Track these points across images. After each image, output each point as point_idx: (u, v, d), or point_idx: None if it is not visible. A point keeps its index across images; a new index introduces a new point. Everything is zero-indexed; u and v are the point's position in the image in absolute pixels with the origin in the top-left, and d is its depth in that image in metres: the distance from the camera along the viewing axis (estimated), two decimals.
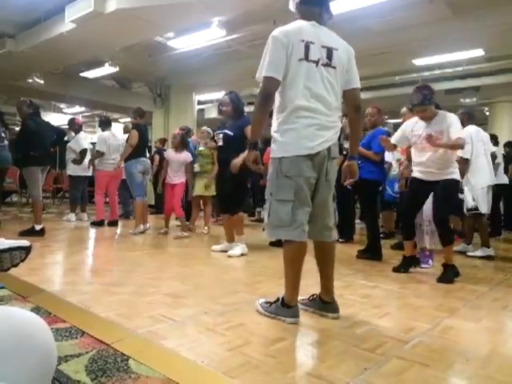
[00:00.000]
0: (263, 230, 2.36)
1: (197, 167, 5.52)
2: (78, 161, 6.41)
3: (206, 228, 5.63)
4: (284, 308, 2.12)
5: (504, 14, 5.51)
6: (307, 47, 2.03)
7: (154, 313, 2.15)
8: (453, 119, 3.28)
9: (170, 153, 5.40)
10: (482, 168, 4.33)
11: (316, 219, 2.15)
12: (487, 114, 10.39)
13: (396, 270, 3.49)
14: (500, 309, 2.54)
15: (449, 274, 3.22)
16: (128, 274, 3.11)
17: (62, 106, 13.60)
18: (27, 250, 0.80)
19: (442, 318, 2.28)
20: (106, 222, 5.98)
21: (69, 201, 7.11)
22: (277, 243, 4.28)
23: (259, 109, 2.10)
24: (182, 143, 5.29)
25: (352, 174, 2.34)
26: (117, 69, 8.30)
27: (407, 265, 3.52)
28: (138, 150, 5.28)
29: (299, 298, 2.22)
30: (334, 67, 2.10)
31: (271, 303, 2.20)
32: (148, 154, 6.08)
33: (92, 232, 5.53)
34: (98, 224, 5.89)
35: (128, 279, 2.94)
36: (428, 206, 3.79)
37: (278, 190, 2.08)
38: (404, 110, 4.77)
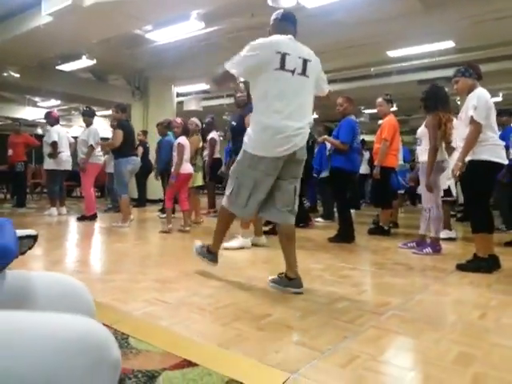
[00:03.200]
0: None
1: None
2: (53, 154, 6.34)
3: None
4: (208, 253, 2.77)
5: (472, 6, 5.75)
6: (283, 58, 2.30)
7: (147, 297, 2.28)
8: (470, 96, 3.14)
9: (184, 140, 4.94)
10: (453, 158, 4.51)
11: (271, 202, 2.51)
12: (458, 103, 10.76)
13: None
14: (467, 284, 2.77)
15: (467, 264, 3.13)
16: (118, 264, 3.22)
17: (37, 99, 13.35)
18: (35, 238, 0.91)
19: (415, 293, 2.49)
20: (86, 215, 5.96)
21: (47, 196, 7.08)
22: (270, 231, 4.46)
23: (215, 81, 2.78)
24: (187, 129, 5.17)
25: None
26: (94, 61, 8.23)
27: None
28: (126, 147, 5.28)
29: (270, 276, 2.57)
30: (308, 76, 2.40)
31: (205, 248, 2.80)
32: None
33: (77, 226, 5.56)
34: (90, 219, 5.82)
35: (119, 268, 3.05)
36: (425, 194, 3.97)
37: (244, 177, 2.45)
38: (380, 100, 4.96)
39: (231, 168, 2.59)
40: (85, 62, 8.28)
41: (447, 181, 4.49)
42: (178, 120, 5.16)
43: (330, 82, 10.65)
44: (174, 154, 4.91)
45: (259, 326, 1.85)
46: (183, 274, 2.92)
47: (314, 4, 5.26)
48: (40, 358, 0.55)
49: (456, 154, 3.58)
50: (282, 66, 2.29)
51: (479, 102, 3.05)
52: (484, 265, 3.09)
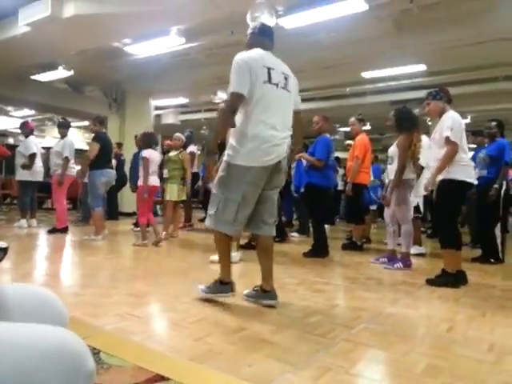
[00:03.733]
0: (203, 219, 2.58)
1: (166, 173, 5.59)
2: (27, 166, 6.21)
3: (163, 233, 5.47)
4: (222, 286, 2.49)
5: (443, 32, 6.04)
6: (269, 72, 2.36)
7: (119, 311, 2.24)
8: (442, 119, 3.26)
9: (148, 153, 5.01)
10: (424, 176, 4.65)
11: (258, 215, 2.47)
12: (429, 123, 11.16)
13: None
14: (435, 298, 2.85)
15: (436, 279, 3.21)
16: (90, 278, 3.15)
17: (10, 108, 13.04)
18: (5, 250, 0.90)
19: (385, 307, 2.55)
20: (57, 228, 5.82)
21: (18, 207, 6.87)
22: (247, 246, 4.47)
23: (224, 121, 2.40)
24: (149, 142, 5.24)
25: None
26: (71, 72, 8.14)
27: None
28: (101, 160, 5.20)
29: (245, 291, 2.57)
30: (290, 91, 2.47)
31: (209, 285, 2.51)
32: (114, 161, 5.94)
33: (48, 239, 5.42)
34: (61, 231, 5.66)
35: (90, 282, 2.99)
36: (387, 209, 4.12)
37: (230, 192, 2.36)
38: (352, 119, 5.13)
39: (214, 184, 2.47)
40: (61, 73, 8.17)
41: (416, 198, 4.65)
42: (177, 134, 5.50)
43: (308, 100, 10.91)
44: (140, 167, 4.96)
45: (232, 341, 1.85)
46: (156, 288, 2.90)
47: (292, 25, 5.41)
48: (17, 366, 0.57)
49: (427, 173, 3.72)
50: (270, 79, 2.35)
51: (454, 123, 3.19)
52: (452, 280, 3.19)
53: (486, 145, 4.85)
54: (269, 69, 2.35)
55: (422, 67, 7.36)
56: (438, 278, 3.24)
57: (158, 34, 6.24)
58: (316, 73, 7.72)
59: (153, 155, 5.06)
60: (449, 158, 3.17)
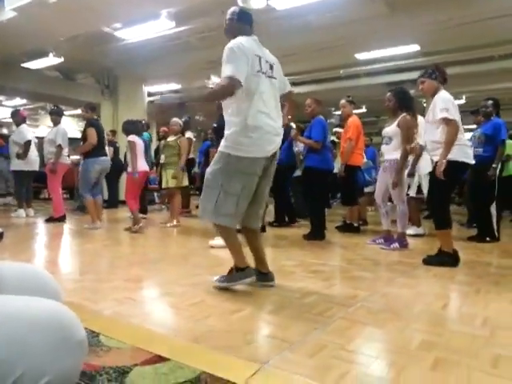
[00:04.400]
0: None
1: (163, 158, 5.57)
2: (22, 155, 6.15)
3: (174, 221, 5.49)
4: (239, 272, 2.40)
5: (436, 12, 5.98)
6: (260, 60, 2.33)
7: (117, 296, 2.26)
8: (436, 99, 3.23)
9: (134, 138, 5.07)
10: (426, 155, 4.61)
11: (251, 207, 2.43)
12: (424, 105, 11.14)
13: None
14: (431, 277, 2.89)
15: (432, 258, 3.26)
16: (88, 264, 3.17)
17: (1, 98, 12.89)
18: (0, 236, 0.92)
19: (382, 286, 2.58)
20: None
21: (15, 197, 6.85)
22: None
23: (213, 98, 2.46)
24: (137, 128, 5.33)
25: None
26: (61, 59, 8.02)
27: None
28: (95, 147, 5.17)
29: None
30: (275, 78, 2.45)
31: (226, 275, 2.43)
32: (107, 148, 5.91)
33: (45, 228, 5.42)
34: (58, 220, 5.67)
35: (88, 268, 3.00)
36: (378, 189, 4.14)
37: (229, 183, 2.30)
38: (343, 101, 5.10)
39: (209, 176, 2.37)
40: (52, 60, 8.05)
41: (414, 179, 4.67)
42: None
43: (301, 83, 10.87)
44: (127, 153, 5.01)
45: (231, 321, 1.87)
46: (154, 273, 2.91)
47: (283, 6, 5.33)
48: (7, 336, 0.58)
49: (425, 154, 3.71)
50: (261, 68, 2.32)
51: (447, 103, 3.16)
52: (449, 259, 3.22)
53: (482, 123, 4.85)
54: (259, 57, 2.33)
55: (416, 47, 7.31)
56: (436, 257, 3.27)
57: (149, 18, 6.16)
58: (308, 55, 7.66)
59: (137, 140, 5.10)
60: (452, 138, 3.12)
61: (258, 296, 2.31)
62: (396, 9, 5.99)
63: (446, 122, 3.14)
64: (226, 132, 2.36)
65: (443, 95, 3.25)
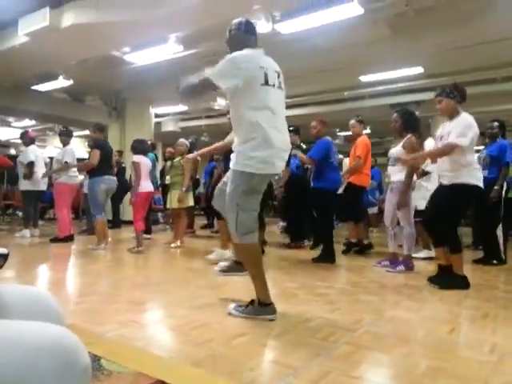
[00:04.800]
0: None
1: (168, 179, 5.61)
2: (27, 175, 6.23)
3: (178, 242, 5.50)
4: (263, 307, 2.27)
5: (439, 35, 6.07)
6: (266, 73, 2.27)
7: (120, 318, 2.24)
8: (459, 122, 3.20)
9: (138, 158, 5.13)
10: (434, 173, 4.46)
11: None
12: (431, 126, 11.19)
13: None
14: (437, 300, 2.85)
15: (442, 279, 3.22)
16: (91, 286, 3.16)
17: (11, 119, 13.12)
18: (5, 257, 0.92)
19: (387, 309, 2.55)
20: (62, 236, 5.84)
21: (22, 217, 6.90)
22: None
23: (188, 94, 2.45)
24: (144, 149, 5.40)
25: None
26: (71, 82, 8.20)
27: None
28: (101, 167, 5.22)
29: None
30: (283, 89, 2.41)
31: (246, 306, 2.31)
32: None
33: (50, 248, 5.43)
34: (63, 240, 5.67)
35: (92, 290, 2.99)
36: (387, 211, 4.12)
37: (246, 202, 2.27)
38: (352, 121, 5.14)
39: (227, 197, 2.32)
40: (61, 83, 8.24)
41: (423, 201, 4.63)
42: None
43: (306, 105, 10.92)
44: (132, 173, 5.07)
45: (234, 346, 1.85)
46: (158, 295, 2.90)
47: (288, 30, 5.45)
48: (10, 362, 0.58)
49: (435, 180, 3.71)
50: (267, 81, 2.27)
51: (474, 130, 3.17)
52: (462, 282, 3.19)
53: (487, 145, 4.85)
54: (266, 70, 2.28)
55: (420, 70, 7.39)
56: (448, 279, 3.22)
57: (157, 42, 6.30)
58: (314, 77, 7.76)
59: (143, 160, 5.16)
60: (446, 153, 3.18)
61: (261, 320, 2.28)
62: (399, 32, 6.09)
63: (456, 144, 3.13)
64: (237, 148, 2.31)
65: (469, 119, 3.22)
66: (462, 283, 3.18)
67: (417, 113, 4.97)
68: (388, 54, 6.63)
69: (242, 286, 2.88)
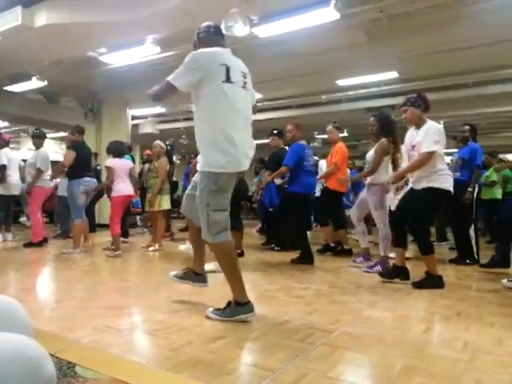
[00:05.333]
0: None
1: (145, 182, 5.57)
2: (0, 179, 6.02)
3: (156, 245, 5.42)
4: (239, 307, 2.28)
5: (411, 41, 6.22)
6: (228, 70, 2.27)
7: (96, 324, 2.20)
8: (429, 130, 3.28)
9: (111, 162, 5.09)
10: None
11: None
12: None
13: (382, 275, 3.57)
14: (412, 300, 2.91)
15: (423, 282, 3.29)
16: (66, 291, 3.08)
17: None
18: None
19: (364, 310, 2.58)
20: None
21: None
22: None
23: (154, 98, 2.47)
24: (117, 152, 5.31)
25: None
26: (45, 83, 8.00)
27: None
28: (78, 169, 5.12)
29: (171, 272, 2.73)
30: (249, 89, 2.43)
31: (224, 308, 2.32)
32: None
33: (24, 253, 5.27)
34: (37, 245, 5.53)
35: (67, 295, 2.93)
36: (355, 208, 4.22)
37: (216, 201, 2.28)
38: (329, 127, 5.20)
39: (197, 199, 2.33)
40: (35, 84, 8.03)
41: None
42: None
43: (285, 108, 10.96)
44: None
45: (211, 349, 1.84)
46: (134, 300, 2.86)
47: (266, 34, 5.47)
48: None
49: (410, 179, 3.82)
50: (228, 79, 2.26)
51: (441, 136, 3.27)
52: (437, 282, 3.29)
53: (460, 148, 4.99)
54: (227, 67, 2.27)
55: (395, 74, 7.54)
56: (426, 281, 3.31)
57: (134, 44, 6.21)
58: (292, 81, 7.82)
59: (120, 163, 5.09)
60: (422, 164, 3.27)
61: (239, 323, 2.27)
62: (374, 37, 6.20)
63: (428, 151, 3.22)
64: (202, 149, 2.32)
65: (436, 126, 3.34)
66: (437, 282, 3.28)
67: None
68: (364, 59, 6.74)
69: (221, 290, 2.87)
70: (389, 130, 4.06)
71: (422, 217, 3.36)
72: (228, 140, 2.24)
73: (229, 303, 2.32)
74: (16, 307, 0.88)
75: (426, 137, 3.26)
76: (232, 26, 4.37)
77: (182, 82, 2.27)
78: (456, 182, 4.47)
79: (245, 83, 2.38)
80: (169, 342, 1.94)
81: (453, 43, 6.05)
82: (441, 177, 3.29)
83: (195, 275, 2.67)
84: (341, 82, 8.00)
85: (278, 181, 5.37)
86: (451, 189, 3.35)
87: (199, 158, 2.40)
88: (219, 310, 2.33)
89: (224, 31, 4.58)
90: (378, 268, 3.95)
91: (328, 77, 7.72)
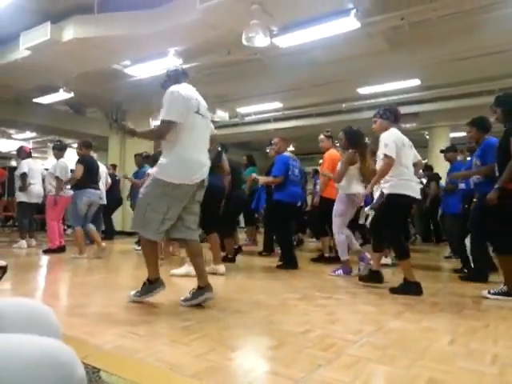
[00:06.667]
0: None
1: None
2: (22, 187, 6.35)
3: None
4: (152, 284, 2.84)
5: (433, 48, 6.17)
6: (198, 104, 2.80)
7: (119, 330, 2.23)
8: (382, 137, 3.49)
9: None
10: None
11: (180, 222, 2.82)
12: (427, 137, 11.26)
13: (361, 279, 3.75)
14: (437, 311, 2.84)
15: (398, 288, 3.36)
16: (89, 297, 3.14)
17: (12, 131, 13.19)
18: (4, 269, 0.93)
19: (387, 321, 2.53)
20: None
21: (18, 228, 6.96)
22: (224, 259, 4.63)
23: (149, 138, 3.65)
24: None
25: None
26: (72, 94, 8.27)
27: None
28: (84, 181, 5.38)
29: (181, 298, 2.85)
30: (207, 118, 2.94)
31: (139, 290, 2.84)
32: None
33: (44, 259, 5.42)
34: (55, 251, 5.72)
35: (89, 301, 2.98)
36: (334, 220, 4.32)
37: (157, 203, 2.70)
38: (321, 136, 5.18)
39: (140, 196, 2.79)
40: (62, 95, 8.31)
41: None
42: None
43: (305, 116, 10.97)
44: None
45: (232, 357, 1.84)
46: (157, 306, 2.88)
47: (286, 44, 5.52)
48: (8, 375, 0.58)
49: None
50: (198, 110, 2.78)
51: (388, 140, 3.39)
52: (414, 288, 3.31)
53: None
54: (198, 101, 2.79)
55: (417, 82, 7.47)
56: (401, 287, 3.35)
57: (157, 56, 6.38)
58: (312, 90, 7.85)
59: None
60: (383, 172, 3.39)
61: (261, 331, 2.27)
62: (395, 45, 6.17)
63: (383, 156, 3.38)
64: (160, 160, 2.76)
65: (387, 133, 3.47)
66: (413, 289, 3.30)
67: (414, 124, 5.03)
68: (385, 67, 6.71)
69: (242, 296, 2.88)
70: (355, 143, 4.26)
71: (389, 223, 3.44)
72: (183, 157, 2.69)
73: (144, 283, 2.84)
74: (46, 311, 0.91)
75: (380, 142, 3.45)
76: (253, 37, 4.45)
77: (174, 114, 2.66)
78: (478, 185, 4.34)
79: (204, 113, 2.87)
80: (191, 348, 1.95)
81: (475, 50, 5.98)
82: (400, 182, 3.37)
83: (200, 289, 2.82)
84: (362, 91, 7.97)
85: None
86: (414, 195, 3.40)
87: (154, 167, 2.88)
88: (138, 291, 2.85)
89: (245, 42, 4.73)
90: (340, 272, 4.20)
91: (349, 85, 7.72)
